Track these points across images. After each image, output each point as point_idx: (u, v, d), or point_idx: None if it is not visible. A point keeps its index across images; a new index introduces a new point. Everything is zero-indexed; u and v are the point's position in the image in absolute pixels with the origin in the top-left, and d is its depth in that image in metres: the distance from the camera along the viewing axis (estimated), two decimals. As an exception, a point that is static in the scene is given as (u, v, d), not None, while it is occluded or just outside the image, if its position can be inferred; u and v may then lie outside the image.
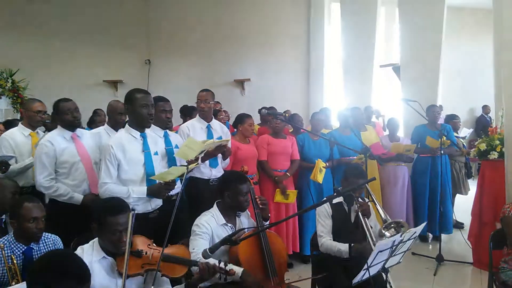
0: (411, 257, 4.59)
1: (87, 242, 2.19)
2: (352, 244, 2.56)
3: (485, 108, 9.46)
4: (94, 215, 2.17)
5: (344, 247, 2.87)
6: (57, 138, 3.15)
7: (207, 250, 1.90)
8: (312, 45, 9.01)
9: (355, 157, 4.56)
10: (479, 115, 9.81)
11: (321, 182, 4.28)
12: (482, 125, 8.92)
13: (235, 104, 8.56)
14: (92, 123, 5.29)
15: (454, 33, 7.05)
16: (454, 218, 5.42)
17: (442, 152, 4.69)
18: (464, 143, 6.31)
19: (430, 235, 5.30)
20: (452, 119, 5.97)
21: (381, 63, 7.79)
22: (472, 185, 5.81)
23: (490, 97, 5.44)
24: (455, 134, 5.72)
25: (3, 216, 2.98)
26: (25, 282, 1.69)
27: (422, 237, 5.25)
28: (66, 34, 8.72)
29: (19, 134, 3.73)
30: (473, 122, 9.80)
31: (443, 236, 4.82)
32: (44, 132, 4.21)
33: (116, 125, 3.84)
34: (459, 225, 5.55)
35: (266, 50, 9.23)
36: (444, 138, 4.70)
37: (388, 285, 2.48)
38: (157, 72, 9.48)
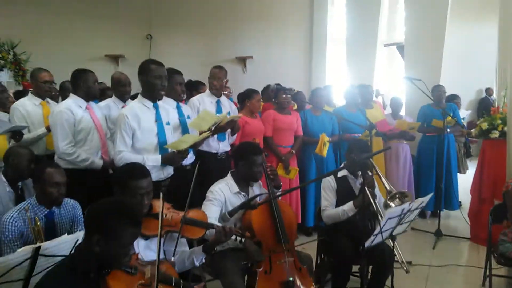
0: (410, 232, 4.72)
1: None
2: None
3: (488, 90, 9.50)
4: (116, 179, 2.25)
5: (347, 206, 2.99)
6: (74, 107, 3.20)
7: (227, 213, 1.99)
8: (315, 23, 8.97)
9: (359, 134, 4.64)
10: (483, 96, 9.80)
11: (325, 156, 4.38)
12: (484, 106, 8.94)
13: (236, 81, 8.57)
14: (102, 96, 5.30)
15: (460, 11, 7.01)
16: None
17: (448, 130, 4.78)
18: (464, 123, 6.39)
19: (428, 212, 5.44)
20: (453, 99, 6.03)
21: (385, 42, 7.79)
22: (471, 165, 5.96)
23: (493, 79, 5.48)
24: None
25: (20, 183, 3.06)
26: (78, 232, 1.91)
27: (421, 213, 5.38)
28: (68, 6, 8.65)
29: (30, 104, 3.77)
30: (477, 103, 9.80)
31: (441, 213, 4.95)
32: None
33: (122, 97, 3.90)
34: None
35: (269, 28, 9.20)
36: (450, 117, 4.78)
37: (395, 251, 2.60)
38: (159, 48, 9.44)
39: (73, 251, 1.85)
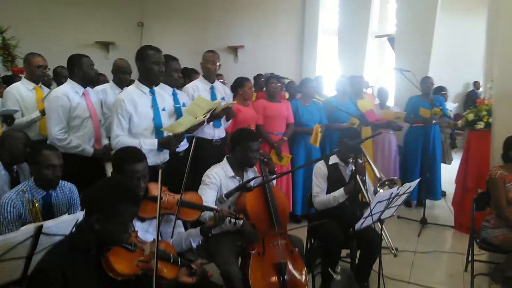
0: (396, 220, 4.88)
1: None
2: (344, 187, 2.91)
3: (476, 83, 9.67)
4: (113, 164, 2.29)
5: (338, 192, 3.09)
6: (71, 92, 3.21)
7: (223, 195, 2.05)
8: (307, 14, 9.00)
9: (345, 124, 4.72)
10: (470, 90, 9.97)
11: (317, 146, 4.47)
12: (471, 99, 9.11)
13: (228, 70, 8.57)
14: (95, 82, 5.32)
15: (449, 5, 7.13)
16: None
17: (434, 122, 4.90)
18: (451, 115, 6.53)
19: (414, 202, 5.58)
20: (439, 91, 6.15)
21: (376, 34, 7.89)
22: (456, 156, 6.11)
23: (480, 73, 5.60)
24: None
25: (15, 167, 3.08)
26: (78, 212, 1.92)
27: (407, 203, 5.51)
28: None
29: (23, 88, 3.77)
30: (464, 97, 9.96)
31: (426, 202, 5.09)
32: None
33: (120, 83, 3.93)
34: (442, 193, 5.84)
35: (261, 18, 9.19)
36: (437, 109, 4.90)
37: (383, 235, 2.70)
38: (150, 35, 9.36)
39: (73, 229, 1.90)
